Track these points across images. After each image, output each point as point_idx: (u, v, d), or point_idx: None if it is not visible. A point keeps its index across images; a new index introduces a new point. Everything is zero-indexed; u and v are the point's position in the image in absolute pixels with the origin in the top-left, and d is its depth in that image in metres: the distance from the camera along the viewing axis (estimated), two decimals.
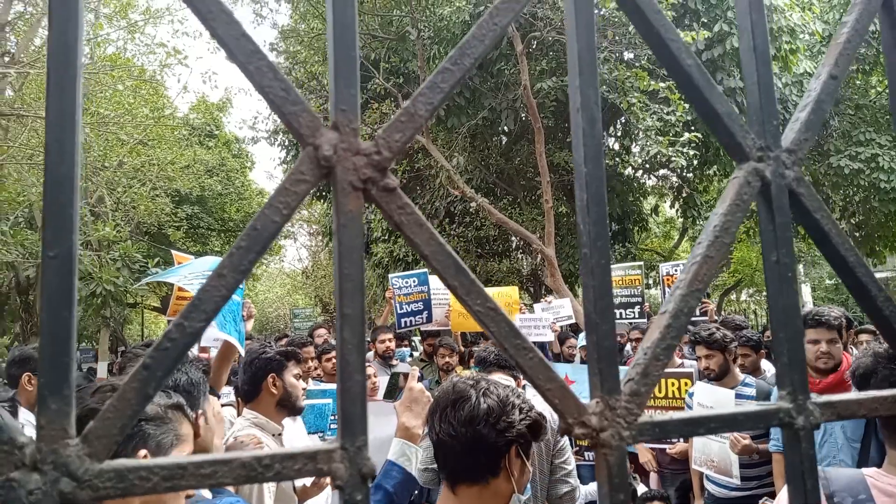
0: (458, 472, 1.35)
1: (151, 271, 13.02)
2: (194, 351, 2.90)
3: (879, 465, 1.42)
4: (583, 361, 5.85)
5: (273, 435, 2.45)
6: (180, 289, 4.45)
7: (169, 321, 3.62)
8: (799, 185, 0.41)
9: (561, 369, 5.84)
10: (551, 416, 2.27)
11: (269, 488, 2.29)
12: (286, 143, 16.78)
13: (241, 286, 3.45)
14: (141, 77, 13.47)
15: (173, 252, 5.01)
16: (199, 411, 1.59)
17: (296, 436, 2.89)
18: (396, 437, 1.68)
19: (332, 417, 3.79)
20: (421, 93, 0.35)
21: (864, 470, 1.41)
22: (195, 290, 2.62)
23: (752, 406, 0.38)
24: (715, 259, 0.39)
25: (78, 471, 0.28)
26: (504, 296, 6.05)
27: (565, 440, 2.71)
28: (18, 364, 3.52)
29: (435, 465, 3.24)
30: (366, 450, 0.31)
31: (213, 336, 2.93)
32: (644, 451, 4.67)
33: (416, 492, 3.11)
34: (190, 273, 3.12)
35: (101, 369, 12.39)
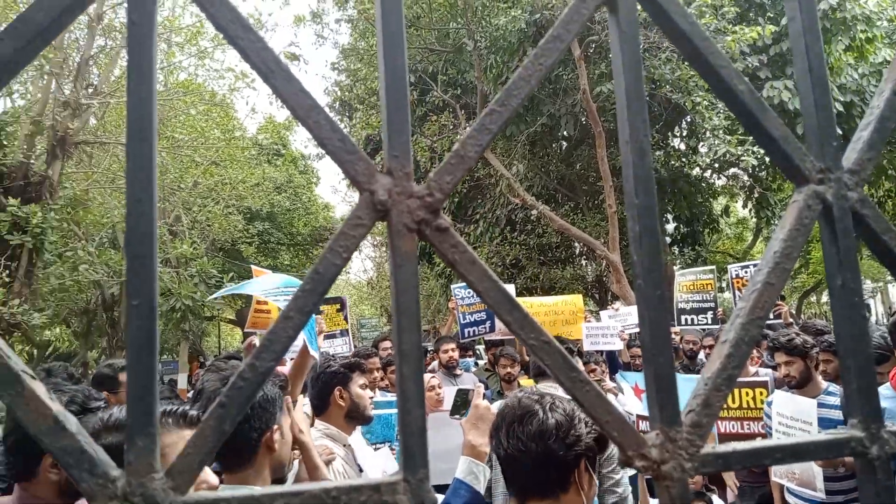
0: (528, 487, 1.35)
1: (226, 286, 13.57)
2: (298, 346, 3.05)
3: None
4: None
5: (343, 445, 2.51)
6: (259, 302, 4.61)
7: (246, 333, 3.78)
8: (863, 206, 0.40)
9: (631, 378, 5.70)
10: None
11: None
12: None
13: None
14: (212, 101, 14.10)
15: (253, 267, 5.22)
16: (276, 426, 1.62)
17: (357, 446, 2.95)
18: (464, 455, 1.68)
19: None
20: (470, 135, 0.36)
21: None
22: (278, 304, 2.73)
23: (822, 436, 0.37)
24: (776, 286, 0.38)
25: (163, 502, 0.30)
26: (568, 304, 5.97)
27: (613, 449, 2.66)
28: (97, 383, 3.72)
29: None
30: (427, 482, 0.32)
31: (296, 343, 3.07)
32: (731, 484, 4.51)
33: None
34: (271, 285, 3.25)
35: (182, 380, 12.95)
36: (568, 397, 1.41)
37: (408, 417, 0.33)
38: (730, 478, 4.51)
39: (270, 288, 3.19)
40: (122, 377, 2.95)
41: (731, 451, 0.36)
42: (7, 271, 8.52)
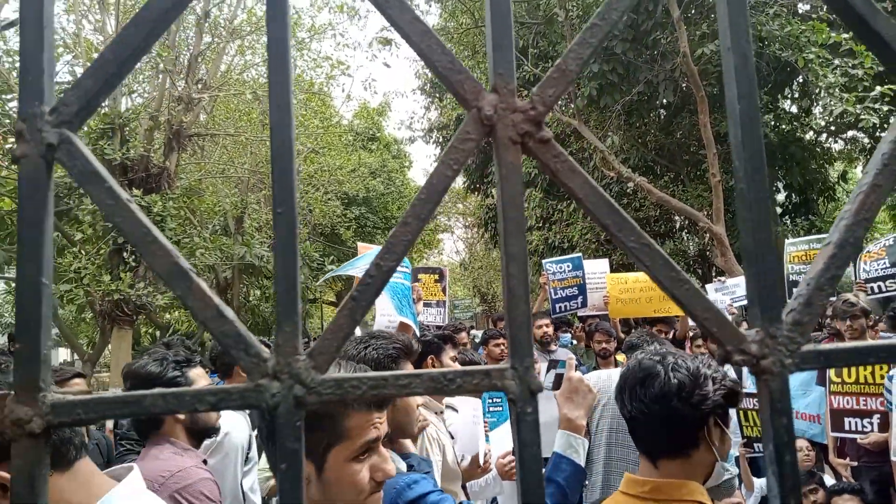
0: (657, 447, 1.37)
1: (328, 268, 14.15)
2: (395, 325, 3.19)
3: None
4: None
5: (435, 413, 2.60)
6: (359, 280, 4.83)
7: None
8: None
9: None
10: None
11: (437, 464, 2.42)
12: (440, 140, 17.30)
13: (408, 273, 3.69)
14: (311, 90, 14.64)
15: (359, 244, 5.42)
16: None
17: (454, 416, 3.02)
18: (560, 428, 1.70)
19: (490, 401, 3.94)
20: (571, 49, 0.38)
21: None
22: None
23: None
24: (884, 188, 0.37)
25: (307, 380, 0.35)
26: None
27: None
28: (213, 362, 3.99)
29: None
30: (532, 370, 0.35)
31: (395, 319, 3.21)
32: (840, 463, 4.26)
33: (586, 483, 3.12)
34: (363, 264, 3.40)
35: None
36: (692, 356, 1.40)
37: (515, 312, 0.36)
38: (840, 466, 4.26)
39: (369, 261, 3.34)
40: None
41: (833, 349, 0.36)
42: (133, 257, 9.32)
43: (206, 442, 2.55)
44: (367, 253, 3.79)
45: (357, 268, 3.84)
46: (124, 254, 9.39)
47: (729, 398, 1.36)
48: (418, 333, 2.95)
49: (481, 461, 2.77)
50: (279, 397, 0.34)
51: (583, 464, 1.65)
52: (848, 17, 0.39)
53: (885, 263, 5.40)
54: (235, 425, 2.79)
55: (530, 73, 11.48)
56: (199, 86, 10.95)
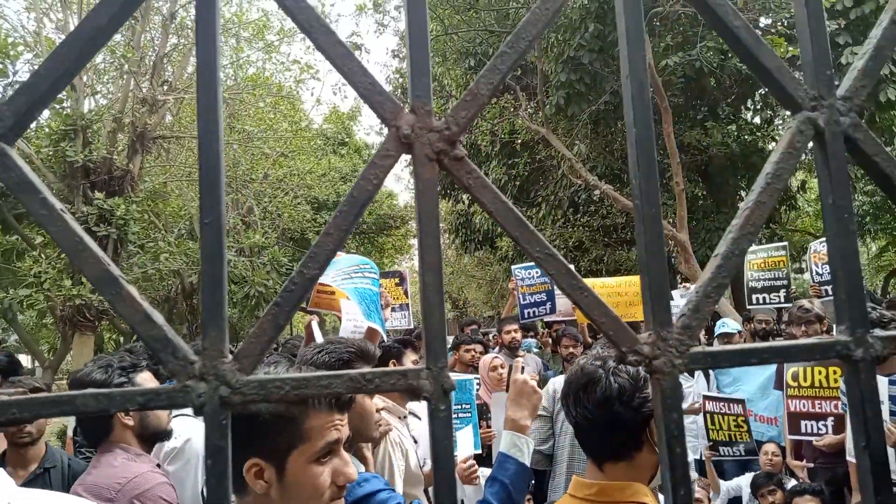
0: (602, 451, 1.39)
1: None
2: (362, 330, 3.19)
3: None
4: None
5: (399, 417, 2.62)
6: (321, 283, 4.80)
7: (308, 311, 3.93)
8: (856, 130, 0.42)
9: None
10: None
11: (399, 469, 2.44)
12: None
13: (376, 279, 3.69)
14: (279, 94, 14.54)
15: None
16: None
17: (414, 421, 3.04)
18: (505, 429, 1.74)
19: (458, 407, 3.97)
20: (483, 74, 0.41)
21: None
22: (347, 289, 2.83)
23: (810, 340, 0.41)
24: (767, 204, 0.41)
25: (232, 381, 0.37)
26: (632, 285, 5.89)
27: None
28: None
29: (542, 447, 3.25)
30: (446, 371, 0.38)
31: (363, 324, 3.20)
32: (797, 465, 4.39)
33: (533, 481, 3.15)
34: (338, 270, 3.38)
35: None
36: None
37: (431, 319, 0.39)
38: (797, 467, 4.39)
39: (345, 267, 3.33)
40: None
41: (718, 350, 0.40)
42: None
43: (166, 448, 2.53)
44: (337, 259, 3.80)
45: (326, 275, 3.82)
46: None
47: None
48: (386, 339, 2.97)
49: None
50: (205, 397, 0.37)
51: (528, 463, 1.68)
52: (736, 48, 0.43)
53: (770, 275, 5.60)
54: (197, 431, 2.77)
55: None
56: (165, 87, 10.80)
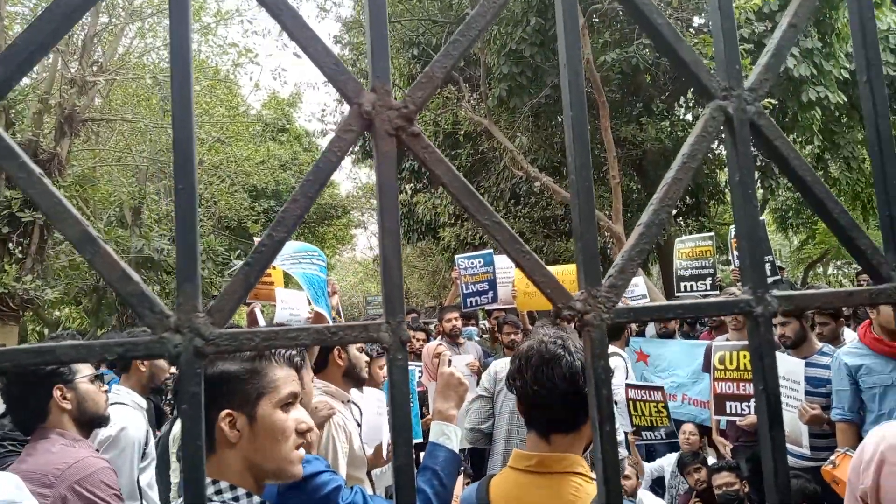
0: (554, 422, 1.48)
1: (233, 263, 13.72)
2: (303, 316, 3.17)
3: None
4: (660, 335, 5.81)
5: (343, 402, 2.65)
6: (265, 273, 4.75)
7: (249, 304, 3.89)
8: (760, 118, 0.49)
9: (635, 343, 5.84)
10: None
11: (343, 451, 2.47)
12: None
13: (324, 266, 3.68)
14: (216, 77, 14.12)
15: (256, 240, 5.33)
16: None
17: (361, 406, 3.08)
18: (433, 420, 1.82)
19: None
20: (437, 59, 0.45)
21: None
22: (296, 274, 2.81)
23: (717, 298, 0.47)
24: (683, 181, 0.47)
25: (205, 333, 0.40)
26: (568, 273, 6.06)
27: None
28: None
29: (483, 426, 3.35)
30: (404, 324, 0.43)
31: (303, 308, 3.20)
32: (720, 441, 4.65)
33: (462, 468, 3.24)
34: (281, 255, 3.35)
35: None
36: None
37: (390, 276, 0.43)
38: (720, 443, 4.65)
39: (291, 252, 3.32)
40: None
41: (640, 307, 0.46)
42: (20, 248, 8.69)
43: (101, 437, 2.47)
44: (286, 244, 3.79)
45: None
46: (10, 245, 8.74)
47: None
48: (331, 324, 2.99)
49: (384, 451, 2.84)
50: (181, 348, 0.40)
51: (456, 450, 1.75)
52: (659, 43, 0.49)
53: (698, 264, 5.97)
54: (133, 420, 2.72)
55: None
56: (95, 68, 10.33)
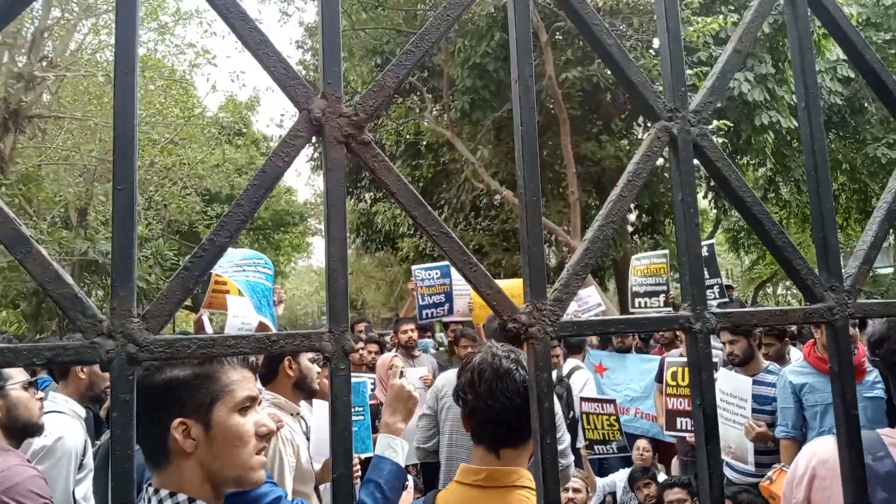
0: (505, 437, 1.47)
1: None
2: (254, 325, 3.08)
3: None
4: (618, 350, 5.89)
5: (291, 414, 2.59)
6: (217, 282, 4.64)
7: (202, 313, 3.78)
8: (703, 139, 0.50)
9: (596, 356, 5.91)
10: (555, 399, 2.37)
11: (290, 465, 2.41)
12: (314, 140, 16.95)
13: (270, 274, 3.61)
14: (171, 77, 13.82)
15: None
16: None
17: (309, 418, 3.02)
18: (381, 433, 1.79)
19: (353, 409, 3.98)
20: (390, 69, 0.45)
21: (880, 430, 1.47)
22: (238, 282, 2.74)
23: (659, 315, 0.48)
24: (627, 198, 0.49)
25: (139, 339, 0.39)
26: (518, 287, 6.13)
27: (561, 416, 2.81)
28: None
29: (426, 445, 3.34)
30: (348, 334, 0.42)
31: (253, 318, 3.11)
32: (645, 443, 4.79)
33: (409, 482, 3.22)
34: (229, 262, 3.27)
35: None
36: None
37: (335, 284, 0.43)
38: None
39: (236, 260, 3.23)
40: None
41: (584, 321, 0.47)
42: None
43: (36, 446, 2.36)
44: (231, 251, 3.69)
45: (218, 265, 3.70)
46: None
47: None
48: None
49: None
50: (113, 354, 0.38)
51: (402, 463, 1.74)
52: (608, 63, 0.50)
53: (652, 280, 6.15)
54: (70, 430, 2.60)
55: (406, 82, 11.64)
56: (44, 63, 9.99)
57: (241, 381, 1.24)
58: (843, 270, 0.52)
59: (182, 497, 1.14)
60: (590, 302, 7.00)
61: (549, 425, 0.43)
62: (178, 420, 1.15)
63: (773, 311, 0.50)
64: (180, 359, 0.38)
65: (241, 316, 3.17)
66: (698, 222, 0.49)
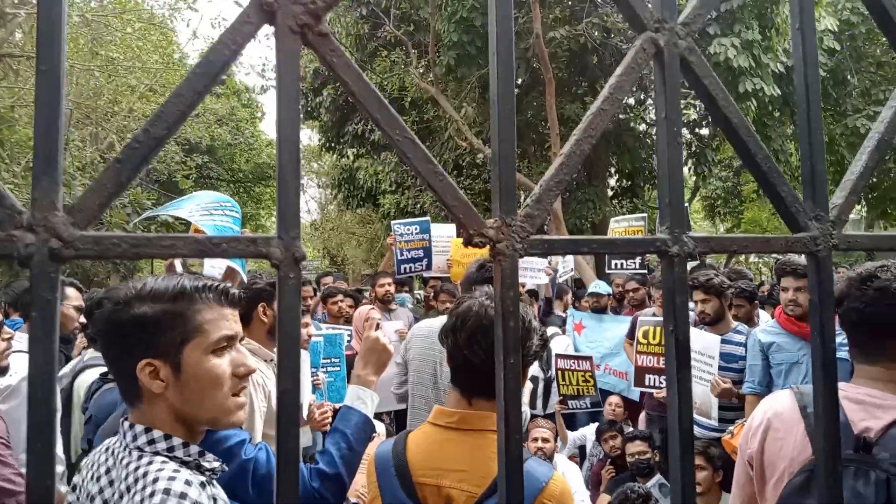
0: (479, 388, 1.46)
1: (160, 219, 13.16)
2: (219, 271, 3.00)
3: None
4: (595, 310, 5.96)
5: (266, 361, 2.57)
6: (196, 230, 4.55)
7: (173, 259, 3.70)
8: (691, 53, 0.47)
9: (577, 315, 5.99)
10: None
11: (261, 410, 2.40)
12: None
13: (238, 217, 3.53)
14: (150, 21, 13.35)
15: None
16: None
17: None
18: (350, 384, 1.77)
19: (328, 360, 3.98)
20: None
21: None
22: (206, 226, 2.66)
23: (634, 237, 0.46)
24: (608, 112, 0.45)
25: (64, 234, 0.35)
26: None
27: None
28: (13, 304, 3.60)
29: (400, 391, 3.36)
30: (299, 241, 0.39)
31: (220, 262, 3.04)
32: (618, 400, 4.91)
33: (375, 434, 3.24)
34: (196, 206, 3.18)
35: None
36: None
37: (285, 188, 0.39)
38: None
39: (204, 203, 3.13)
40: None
41: (554, 239, 0.44)
42: None
43: (0, 385, 2.33)
44: (197, 194, 3.58)
45: (182, 209, 3.58)
46: None
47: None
48: (245, 280, 2.84)
49: (304, 413, 2.79)
50: (33, 248, 0.35)
51: (370, 415, 1.72)
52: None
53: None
54: None
55: (391, 35, 11.38)
56: (15, 0, 9.56)
57: (217, 320, 1.17)
58: (829, 201, 0.49)
59: (157, 433, 1.11)
60: (567, 266, 7.06)
61: (514, 345, 0.41)
62: (144, 361, 1.10)
63: (755, 238, 0.47)
64: (109, 258, 0.34)
65: (212, 265, 3.11)
66: (681, 142, 0.46)
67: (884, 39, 12.54)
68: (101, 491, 1.10)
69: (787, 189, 0.47)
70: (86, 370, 2.64)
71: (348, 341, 5.03)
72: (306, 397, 2.80)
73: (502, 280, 0.42)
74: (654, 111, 14.10)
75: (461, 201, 0.42)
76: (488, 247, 0.42)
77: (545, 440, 3.91)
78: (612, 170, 15.18)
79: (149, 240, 0.37)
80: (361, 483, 3.23)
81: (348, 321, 5.38)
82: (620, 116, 13.00)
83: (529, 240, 0.43)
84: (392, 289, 5.72)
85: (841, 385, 1.54)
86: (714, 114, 0.48)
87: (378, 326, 1.99)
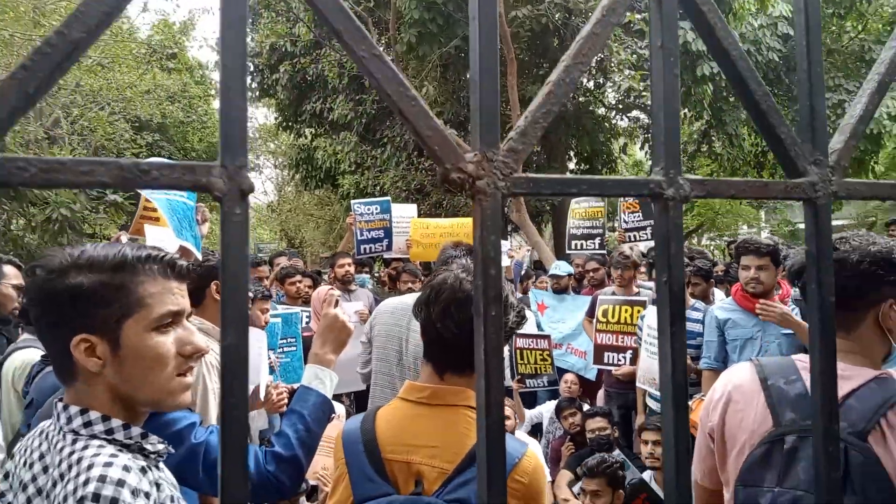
0: (451, 363, 1.41)
1: (109, 198, 12.67)
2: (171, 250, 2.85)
3: None
4: (555, 291, 5.99)
5: (219, 341, 2.49)
6: (146, 207, 4.34)
7: (120, 234, 3.54)
8: None
9: (539, 295, 6.02)
10: None
11: (214, 392, 2.32)
12: (251, 69, 16.18)
13: (192, 192, 3.39)
14: None
15: None
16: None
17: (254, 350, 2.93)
18: (308, 363, 1.69)
19: (284, 340, 3.89)
20: None
21: (794, 356, 1.52)
22: (152, 196, 2.52)
23: (626, 177, 0.41)
24: (600, 36, 0.40)
25: None
26: (464, 226, 6.08)
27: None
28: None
29: (365, 371, 3.31)
30: (245, 170, 0.33)
31: (172, 242, 2.90)
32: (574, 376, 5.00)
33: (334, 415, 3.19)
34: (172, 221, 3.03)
35: None
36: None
37: (229, 113, 0.33)
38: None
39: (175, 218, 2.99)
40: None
41: (541, 177, 0.39)
42: None
43: None
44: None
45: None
46: None
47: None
48: (200, 258, 2.72)
49: (262, 394, 2.72)
50: None
51: (329, 395, 1.64)
52: None
53: (638, 217, 6.33)
54: None
55: (352, 11, 11.12)
56: None
57: (161, 293, 1.07)
58: (828, 145, 0.46)
59: (94, 415, 1.02)
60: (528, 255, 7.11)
61: (495, 295, 0.36)
62: (79, 336, 1.01)
63: (753, 183, 0.44)
64: (15, 185, 0.28)
65: (160, 243, 2.96)
66: (678, 73, 0.42)
67: (833, 28, 12.91)
68: (34, 479, 1.02)
69: (787, 130, 0.44)
70: (16, 352, 2.50)
71: (306, 322, 4.94)
72: (263, 378, 2.72)
73: (482, 223, 0.37)
74: (612, 94, 14.21)
75: (436, 130, 0.37)
76: (467, 185, 0.37)
77: (507, 417, 3.93)
78: (572, 153, 15.29)
79: (63, 164, 0.30)
80: (321, 465, 3.17)
81: (307, 302, 5.28)
82: (580, 99, 13.07)
83: (513, 177, 0.38)
84: (352, 269, 5.64)
85: (800, 356, 1.56)
86: (712, 44, 0.44)
87: (337, 304, 1.91)
